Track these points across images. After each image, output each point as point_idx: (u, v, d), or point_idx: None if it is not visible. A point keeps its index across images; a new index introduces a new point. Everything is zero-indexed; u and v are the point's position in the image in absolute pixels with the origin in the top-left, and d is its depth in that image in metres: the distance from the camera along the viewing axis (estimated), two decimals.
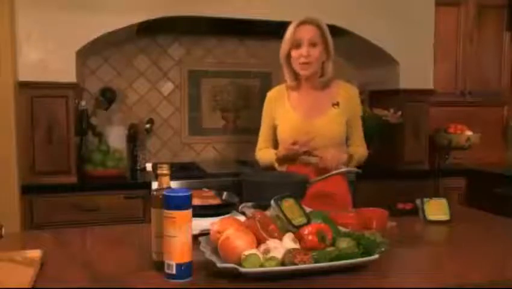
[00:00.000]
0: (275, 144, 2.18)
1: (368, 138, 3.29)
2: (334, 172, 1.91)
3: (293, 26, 2.03)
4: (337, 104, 2.06)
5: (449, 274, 1.23)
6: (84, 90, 3.24)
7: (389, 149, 3.45)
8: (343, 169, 1.96)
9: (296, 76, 2.10)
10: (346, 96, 2.10)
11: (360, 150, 2.16)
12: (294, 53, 2.02)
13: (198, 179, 2.86)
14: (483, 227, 1.75)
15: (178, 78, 3.49)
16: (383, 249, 1.23)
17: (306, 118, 2.06)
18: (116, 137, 3.22)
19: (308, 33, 2.00)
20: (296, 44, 2.01)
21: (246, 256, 1.12)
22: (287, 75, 2.11)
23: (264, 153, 2.19)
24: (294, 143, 1.96)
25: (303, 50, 2.00)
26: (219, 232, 1.23)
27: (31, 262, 1.19)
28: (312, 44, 2.00)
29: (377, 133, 3.22)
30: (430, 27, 3.39)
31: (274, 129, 2.16)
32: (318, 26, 2.02)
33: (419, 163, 3.46)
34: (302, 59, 2.01)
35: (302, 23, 2.02)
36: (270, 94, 2.21)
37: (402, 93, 3.39)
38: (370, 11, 3.21)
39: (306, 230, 1.23)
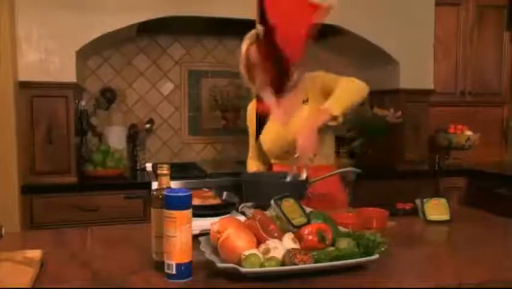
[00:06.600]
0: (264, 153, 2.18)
1: (369, 138, 3.30)
2: (335, 172, 1.91)
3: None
4: (307, 100, 2.02)
5: (449, 274, 1.23)
6: (84, 90, 3.24)
7: (389, 149, 3.45)
8: (343, 169, 1.96)
9: None
10: (312, 85, 2.02)
11: (340, 85, 1.95)
12: None
13: (198, 179, 2.86)
14: (483, 227, 1.75)
15: (178, 78, 3.49)
16: (383, 249, 1.23)
17: (283, 126, 2.03)
18: (116, 137, 3.23)
19: None
20: None
21: (246, 256, 1.12)
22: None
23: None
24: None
25: None
26: (219, 232, 1.23)
27: (31, 262, 1.19)
28: None
29: (377, 133, 3.22)
30: (430, 27, 3.39)
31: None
32: None
33: (419, 163, 3.46)
34: None
35: None
36: (250, 105, 2.28)
37: (402, 93, 3.39)
38: (370, 11, 3.21)
39: (306, 230, 1.23)
